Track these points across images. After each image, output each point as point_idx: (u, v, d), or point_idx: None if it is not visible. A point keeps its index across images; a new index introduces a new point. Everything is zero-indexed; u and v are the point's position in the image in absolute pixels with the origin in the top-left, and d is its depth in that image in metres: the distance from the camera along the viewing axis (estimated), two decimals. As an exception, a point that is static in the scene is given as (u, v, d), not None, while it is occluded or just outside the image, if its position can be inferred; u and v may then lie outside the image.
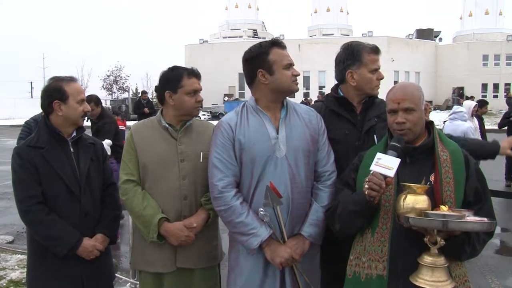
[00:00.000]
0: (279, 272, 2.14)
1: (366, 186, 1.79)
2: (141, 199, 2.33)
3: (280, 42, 2.25)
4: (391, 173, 1.77)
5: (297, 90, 2.25)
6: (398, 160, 1.78)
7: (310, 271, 2.22)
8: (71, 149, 2.40)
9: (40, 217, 2.28)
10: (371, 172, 1.80)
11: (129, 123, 9.40)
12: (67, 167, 2.35)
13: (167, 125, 2.40)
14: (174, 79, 2.37)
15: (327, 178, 2.24)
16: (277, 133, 2.17)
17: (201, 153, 2.38)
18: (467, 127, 6.48)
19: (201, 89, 2.43)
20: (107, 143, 5.36)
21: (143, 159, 2.37)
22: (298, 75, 2.24)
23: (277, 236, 2.13)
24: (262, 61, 2.18)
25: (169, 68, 2.45)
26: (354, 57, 2.43)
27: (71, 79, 2.44)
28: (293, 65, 2.23)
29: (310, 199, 2.22)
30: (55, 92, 2.36)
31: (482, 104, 8.27)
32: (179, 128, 2.42)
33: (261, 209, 2.07)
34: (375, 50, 2.45)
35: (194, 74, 2.41)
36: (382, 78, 2.46)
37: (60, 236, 2.29)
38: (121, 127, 8.76)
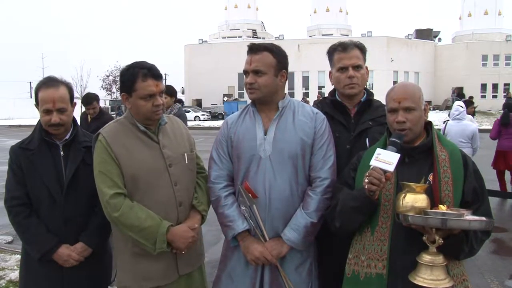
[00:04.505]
0: (260, 267, 2.17)
1: (366, 180, 1.80)
2: (138, 211, 2.11)
3: (251, 48, 2.20)
4: (390, 168, 1.78)
5: (251, 98, 2.22)
6: (397, 156, 1.79)
7: (295, 279, 2.17)
8: (61, 153, 2.31)
9: (18, 220, 2.27)
10: (371, 167, 1.81)
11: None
12: (52, 171, 2.27)
13: (145, 129, 2.19)
14: (128, 81, 2.13)
15: (318, 185, 2.16)
16: (265, 134, 2.19)
17: (185, 154, 2.29)
18: (476, 127, 6.43)
19: (160, 91, 2.15)
20: None
21: (131, 170, 2.13)
22: (249, 82, 2.18)
23: (258, 234, 2.16)
24: None
25: (126, 66, 2.19)
26: (330, 57, 2.45)
27: (48, 85, 2.25)
28: (248, 72, 2.19)
29: (298, 202, 2.17)
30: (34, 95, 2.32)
31: (468, 104, 8.07)
32: (155, 129, 2.24)
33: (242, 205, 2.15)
34: (342, 48, 2.38)
35: (151, 75, 2.11)
36: (352, 77, 2.33)
37: (33, 241, 2.27)
38: None
